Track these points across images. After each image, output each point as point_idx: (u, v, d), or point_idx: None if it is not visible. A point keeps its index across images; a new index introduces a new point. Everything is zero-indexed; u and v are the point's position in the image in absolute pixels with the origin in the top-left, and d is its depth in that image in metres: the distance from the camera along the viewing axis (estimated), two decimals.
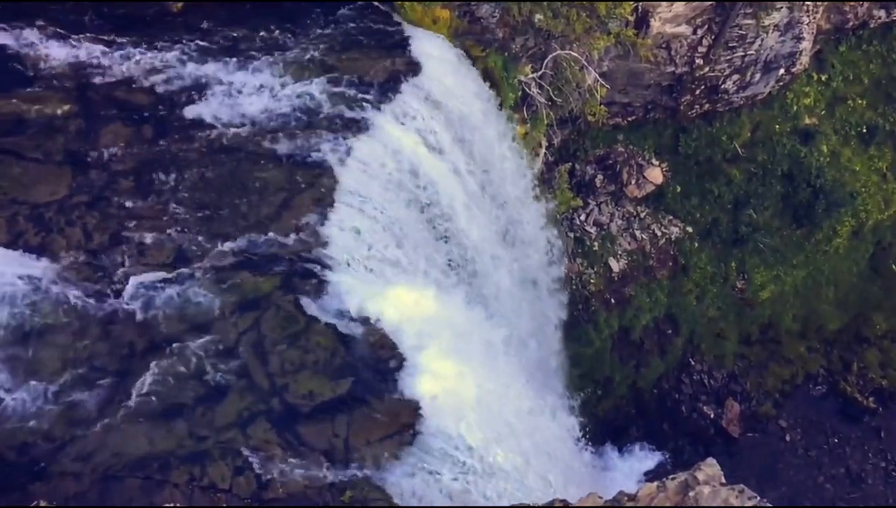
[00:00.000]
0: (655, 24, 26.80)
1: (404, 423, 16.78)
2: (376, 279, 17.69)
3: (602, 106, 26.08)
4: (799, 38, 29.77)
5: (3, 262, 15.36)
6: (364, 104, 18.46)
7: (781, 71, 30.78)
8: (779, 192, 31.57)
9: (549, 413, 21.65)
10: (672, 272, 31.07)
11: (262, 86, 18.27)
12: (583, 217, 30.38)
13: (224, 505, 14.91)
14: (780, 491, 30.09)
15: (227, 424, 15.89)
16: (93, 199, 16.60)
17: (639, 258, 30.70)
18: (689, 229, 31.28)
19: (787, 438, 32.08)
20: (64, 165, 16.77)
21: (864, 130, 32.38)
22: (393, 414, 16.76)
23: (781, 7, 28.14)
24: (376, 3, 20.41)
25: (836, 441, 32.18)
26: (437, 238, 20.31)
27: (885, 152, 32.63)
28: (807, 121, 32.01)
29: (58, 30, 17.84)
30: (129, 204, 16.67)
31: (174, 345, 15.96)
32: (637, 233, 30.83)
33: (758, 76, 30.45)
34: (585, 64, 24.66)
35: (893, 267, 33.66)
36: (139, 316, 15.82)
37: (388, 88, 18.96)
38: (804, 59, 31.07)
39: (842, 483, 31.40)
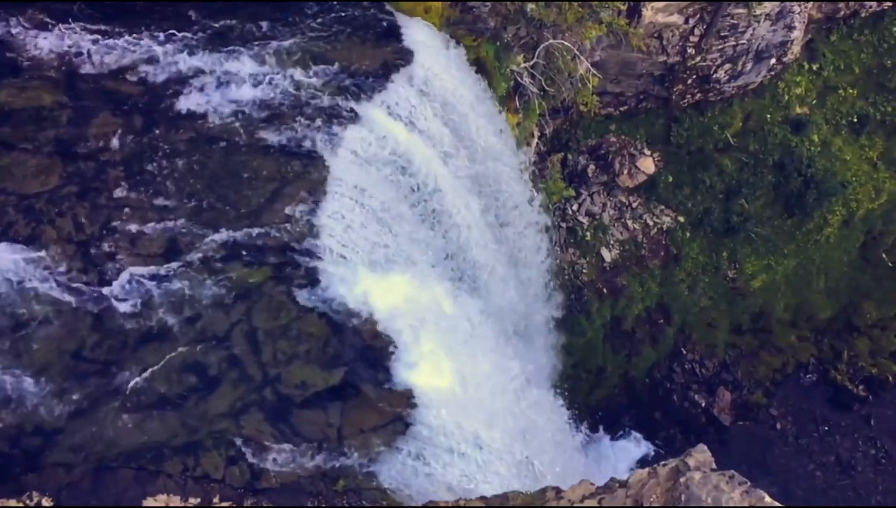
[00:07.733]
0: (647, 14, 26.77)
1: (397, 412, 16.83)
2: (368, 269, 17.67)
3: (594, 96, 26.04)
4: (790, 28, 29.78)
5: None
6: (355, 93, 18.40)
7: (773, 60, 30.80)
8: (770, 182, 31.64)
9: (542, 401, 21.73)
10: (664, 261, 31.15)
11: (252, 75, 18.17)
12: (575, 207, 30.41)
13: (217, 496, 14.93)
14: (770, 479, 30.26)
15: (220, 414, 15.90)
16: (83, 190, 16.52)
17: (631, 248, 30.76)
18: (681, 219, 31.36)
19: (778, 426, 32.29)
20: (54, 156, 16.67)
21: (855, 120, 32.45)
22: (386, 403, 16.80)
23: None
24: None
25: (826, 429, 32.40)
26: (429, 228, 20.29)
27: (876, 141, 32.71)
28: (798, 110, 32.05)
29: (46, 19, 17.69)
30: (119, 194, 16.59)
31: (166, 336, 15.95)
32: (629, 222, 30.89)
33: (749, 65, 30.47)
34: (578, 53, 24.62)
35: (884, 256, 33.81)
36: (130, 308, 15.79)
37: (379, 77, 18.89)
38: (795, 49, 31.09)
39: (832, 470, 31.62)
